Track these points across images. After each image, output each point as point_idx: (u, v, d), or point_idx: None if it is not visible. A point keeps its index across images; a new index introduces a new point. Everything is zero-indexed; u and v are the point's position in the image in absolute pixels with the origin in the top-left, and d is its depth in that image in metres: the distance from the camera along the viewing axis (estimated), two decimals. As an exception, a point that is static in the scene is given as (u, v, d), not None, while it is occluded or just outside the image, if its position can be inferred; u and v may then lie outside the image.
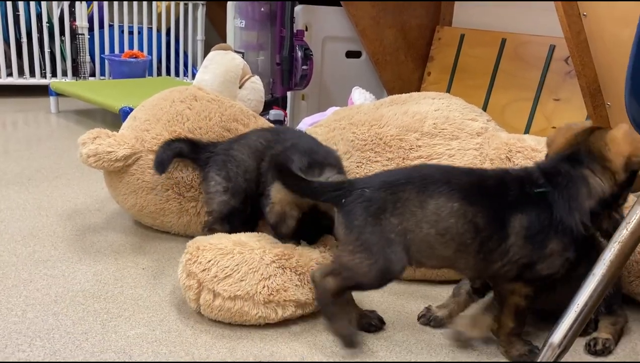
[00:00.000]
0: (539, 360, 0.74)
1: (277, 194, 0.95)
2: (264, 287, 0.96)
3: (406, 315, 1.06)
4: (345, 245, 0.86)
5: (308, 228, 1.02)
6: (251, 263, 0.97)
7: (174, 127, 1.27)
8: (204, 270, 0.97)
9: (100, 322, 0.97)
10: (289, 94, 2.27)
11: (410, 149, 1.14)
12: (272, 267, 0.98)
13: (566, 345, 0.74)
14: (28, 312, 0.98)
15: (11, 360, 0.85)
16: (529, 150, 1.13)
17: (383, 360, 0.92)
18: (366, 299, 1.10)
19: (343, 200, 0.85)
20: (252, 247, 0.99)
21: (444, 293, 1.15)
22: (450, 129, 1.17)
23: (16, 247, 1.22)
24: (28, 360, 0.85)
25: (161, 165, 1.19)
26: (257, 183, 1.14)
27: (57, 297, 1.04)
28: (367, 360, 0.92)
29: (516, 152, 1.13)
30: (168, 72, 3.22)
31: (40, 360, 0.86)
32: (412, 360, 0.92)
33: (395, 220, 0.83)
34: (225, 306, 0.95)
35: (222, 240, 1.01)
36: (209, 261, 0.97)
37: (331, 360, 0.91)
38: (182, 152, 1.22)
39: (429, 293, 1.15)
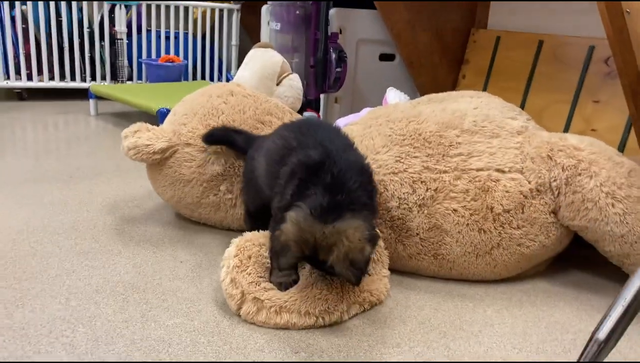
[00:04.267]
0: (582, 357, 0.72)
1: (290, 228, 0.91)
2: (307, 297, 0.96)
3: (443, 312, 1.05)
4: None
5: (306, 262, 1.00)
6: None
7: (209, 121, 1.29)
8: (251, 282, 0.97)
9: (139, 311, 0.98)
10: (322, 96, 2.28)
11: (450, 145, 1.13)
12: (313, 276, 0.98)
13: (612, 341, 0.72)
14: (71, 300, 1.00)
15: (55, 345, 0.87)
16: (571, 148, 1.11)
17: (421, 356, 0.91)
18: (402, 295, 1.09)
19: None
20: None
21: (480, 292, 1.13)
22: (490, 126, 1.16)
23: (59, 240, 1.25)
24: (68, 346, 0.87)
25: (210, 137, 1.25)
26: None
27: (99, 287, 1.06)
28: (399, 361, 0.91)
29: (558, 151, 1.11)
30: (203, 77, 3.27)
31: (64, 357, 0.87)
32: (425, 361, 0.91)
33: None
34: (271, 321, 0.95)
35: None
36: (261, 277, 0.98)
37: (349, 360, 0.90)
38: (235, 142, 1.25)
39: (465, 292, 1.13)
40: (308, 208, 0.91)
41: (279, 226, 0.93)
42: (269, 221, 1.06)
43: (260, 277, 0.98)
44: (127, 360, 0.85)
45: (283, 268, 0.96)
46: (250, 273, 0.98)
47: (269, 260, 1.02)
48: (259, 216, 1.15)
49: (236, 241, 1.03)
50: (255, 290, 0.96)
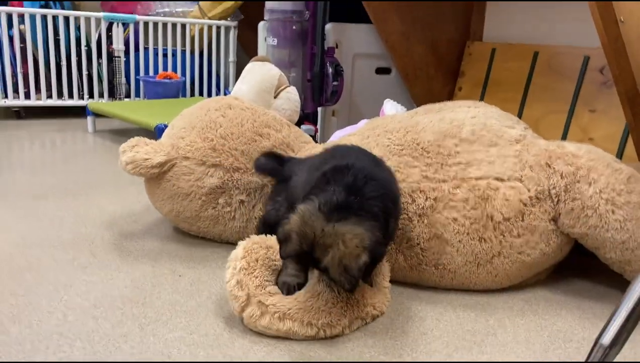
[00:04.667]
0: (587, 361, 0.71)
1: (296, 219, 0.91)
2: (311, 308, 0.95)
3: (445, 322, 1.04)
4: None
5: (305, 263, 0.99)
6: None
7: (207, 134, 1.29)
8: (258, 286, 0.96)
9: (138, 325, 0.97)
10: (319, 109, 2.28)
11: (449, 155, 1.13)
12: (320, 286, 0.97)
13: (617, 346, 0.71)
14: (68, 315, 0.99)
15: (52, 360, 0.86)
16: (569, 155, 1.11)
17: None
18: (403, 306, 1.08)
19: None
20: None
21: (482, 301, 1.12)
22: (488, 135, 1.16)
23: (56, 254, 1.24)
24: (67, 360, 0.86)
25: (259, 170, 1.27)
26: None
27: (96, 301, 1.05)
28: (399, 361, 0.89)
29: (556, 158, 1.11)
30: (201, 93, 3.28)
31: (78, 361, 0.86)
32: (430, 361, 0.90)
33: None
34: (273, 327, 0.94)
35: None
36: (267, 280, 0.97)
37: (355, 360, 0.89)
38: (275, 171, 1.27)
39: (467, 302, 1.12)
40: (318, 202, 0.91)
41: (286, 217, 0.93)
42: None
43: (267, 280, 0.98)
44: (125, 375, 0.84)
45: (284, 257, 0.95)
46: (257, 277, 0.97)
47: (276, 263, 1.01)
48: (275, 227, 1.14)
49: (243, 243, 1.02)
50: (261, 293, 0.95)
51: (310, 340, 0.95)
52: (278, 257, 1.00)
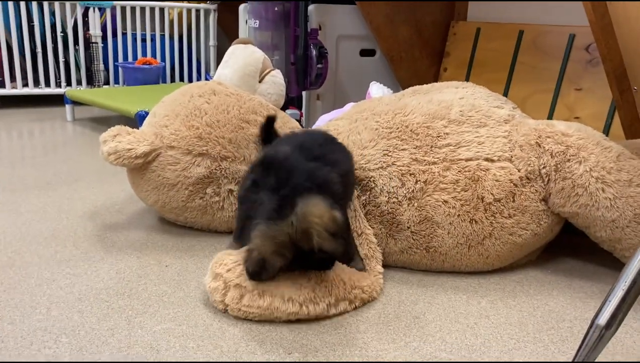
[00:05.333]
0: (584, 342, 0.71)
1: (258, 240, 0.90)
2: (293, 284, 0.93)
3: (437, 306, 1.03)
4: None
5: (295, 267, 0.97)
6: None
7: (192, 122, 1.25)
8: (229, 270, 0.95)
9: (125, 318, 0.95)
10: (304, 93, 2.25)
11: (438, 136, 1.12)
12: None
13: (613, 327, 0.71)
14: (52, 309, 0.96)
15: (37, 357, 0.83)
16: (559, 134, 1.10)
17: (418, 352, 0.89)
18: (394, 290, 1.07)
19: None
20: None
21: (473, 283, 1.12)
22: (477, 116, 1.15)
23: (38, 248, 1.20)
24: (52, 358, 0.84)
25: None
26: None
27: (81, 295, 1.02)
28: (397, 361, 0.88)
29: (546, 137, 1.10)
30: (182, 78, 3.22)
31: (64, 359, 0.84)
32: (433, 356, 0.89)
33: None
34: (254, 303, 0.92)
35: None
36: (235, 261, 0.96)
37: (350, 361, 0.88)
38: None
39: (458, 285, 1.11)
40: (264, 219, 0.92)
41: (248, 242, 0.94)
42: None
43: (235, 261, 0.96)
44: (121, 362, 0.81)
45: (265, 280, 0.94)
46: (226, 263, 0.96)
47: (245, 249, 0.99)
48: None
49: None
50: (235, 276, 0.94)
51: (294, 319, 0.94)
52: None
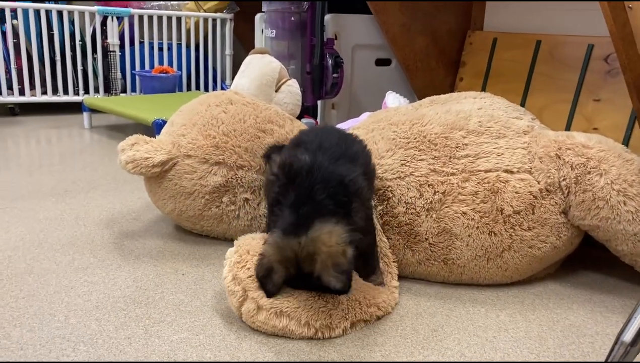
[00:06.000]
0: (608, 358, 0.70)
1: (269, 248, 0.91)
2: (311, 308, 0.93)
3: (455, 319, 1.02)
4: None
5: (296, 286, 0.97)
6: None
7: (209, 131, 1.26)
8: (250, 276, 0.94)
9: (142, 327, 0.95)
10: (319, 102, 2.26)
11: (457, 147, 1.11)
12: None
13: (638, 344, 0.69)
14: (70, 317, 0.97)
15: (56, 365, 0.84)
16: (579, 146, 1.09)
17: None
18: (411, 302, 1.06)
19: None
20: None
21: (492, 296, 1.10)
22: (496, 127, 1.14)
23: (56, 256, 1.21)
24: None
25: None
26: None
27: (99, 303, 1.02)
28: (396, 361, 0.87)
29: (566, 149, 1.09)
30: (198, 87, 3.24)
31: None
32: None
33: None
34: (269, 322, 0.92)
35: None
36: None
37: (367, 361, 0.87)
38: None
39: (476, 297, 1.10)
40: (280, 229, 0.92)
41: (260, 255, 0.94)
42: None
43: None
44: (131, 379, 0.81)
45: (271, 291, 0.94)
46: (249, 268, 0.95)
47: None
48: None
49: (238, 240, 1.01)
50: (255, 287, 0.93)
51: (308, 340, 0.93)
52: None
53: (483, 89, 2.17)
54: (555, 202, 1.08)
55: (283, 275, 0.91)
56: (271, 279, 0.92)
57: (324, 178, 0.95)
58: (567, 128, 1.86)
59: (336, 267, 0.86)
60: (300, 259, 0.89)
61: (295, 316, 0.92)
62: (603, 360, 0.70)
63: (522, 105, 2.02)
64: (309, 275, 0.89)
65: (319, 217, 0.91)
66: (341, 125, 1.69)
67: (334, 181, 0.95)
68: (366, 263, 1.03)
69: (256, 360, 0.87)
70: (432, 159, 1.11)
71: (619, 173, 1.05)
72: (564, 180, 1.07)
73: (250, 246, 0.98)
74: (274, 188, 1.00)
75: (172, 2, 3.22)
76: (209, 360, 0.86)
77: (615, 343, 0.69)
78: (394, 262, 1.09)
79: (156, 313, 0.99)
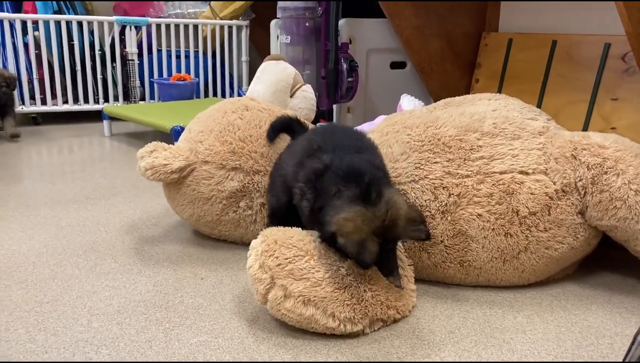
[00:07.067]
0: (626, 359, 0.69)
1: (350, 223, 0.89)
2: (337, 299, 0.94)
3: (472, 320, 1.02)
4: None
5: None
6: (328, 271, 0.95)
7: (226, 137, 1.28)
8: (279, 265, 0.94)
9: (162, 330, 0.97)
10: (334, 106, 2.27)
11: (471, 149, 1.11)
12: (348, 279, 0.96)
13: (656, 344, 0.69)
14: (93, 321, 0.99)
15: (79, 367, 0.86)
16: (595, 146, 1.08)
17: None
18: (428, 304, 1.07)
19: None
20: (329, 254, 0.98)
21: (509, 298, 1.10)
22: (511, 128, 1.14)
23: (78, 261, 1.24)
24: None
25: (271, 132, 1.29)
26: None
27: (120, 307, 1.04)
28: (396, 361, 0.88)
29: (582, 150, 1.08)
30: (215, 94, 3.28)
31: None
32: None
33: None
34: (296, 310, 0.92)
35: (300, 239, 0.99)
36: (287, 259, 0.95)
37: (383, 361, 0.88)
38: (292, 127, 1.29)
39: (493, 299, 1.10)
40: (351, 200, 0.91)
41: (328, 225, 0.92)
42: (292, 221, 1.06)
43: (287, 259, 0.95)
44: (152, 381, 0.83)
45: (370, 264, 0.94)
46: (277, 257, 0.95)
47: (294, 244, 0.98)
48: (282, 216, 1.12)
49: (264, 231, 1.02)
50: (284, 275, 0.94)
51: (330, 333, 0.94)
52: (296, 238, 0.99)
53: (499, 91, 2.16)
54: (572, 203, 1.07)
55: (378, 242, 0.89)
56: (368, 251, 0.89)
57: (362, 165, 0.98)
58: (585, 128, 1.85)
59: (415, 220, 0.94)
60: (386, 227, 0.89)
61: (322, 306, 0.93)
62: (621, 361, 0.70)
63: (539, 106, 2.00)
64: (392, 239, 0.92)
65: (382, 185, 0.94)
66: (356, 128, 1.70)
67: (363, 162, 0.99)
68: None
69: (273, 361, 0.88)
70: (447, 161, 1.11)
71: (636, 172, 1.04)
72: (580, 180, 1.07)
73: (277, 236, 0.98)
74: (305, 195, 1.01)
75: (188, 11, 3.27)
76: (227, 362, 0.88)
77: (633, 343, 0.69)
78: (409, 265, 1.09)
79: (176, 316, 1.01)
